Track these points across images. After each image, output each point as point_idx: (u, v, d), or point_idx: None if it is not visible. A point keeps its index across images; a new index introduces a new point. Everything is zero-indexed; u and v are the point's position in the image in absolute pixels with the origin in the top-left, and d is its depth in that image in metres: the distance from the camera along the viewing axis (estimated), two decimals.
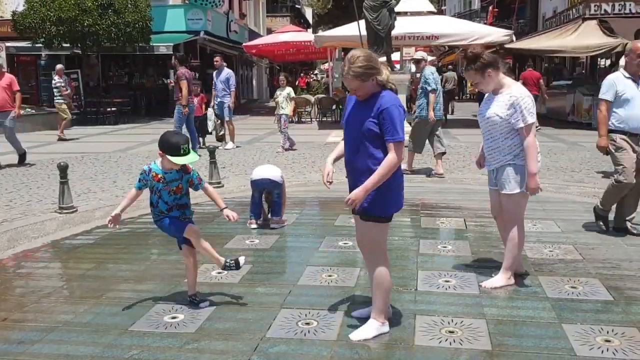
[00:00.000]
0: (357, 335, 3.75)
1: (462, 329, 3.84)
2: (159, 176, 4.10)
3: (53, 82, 16.74)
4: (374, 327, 3.76)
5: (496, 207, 4.82)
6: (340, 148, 3.88)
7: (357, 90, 3.61)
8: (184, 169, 4.15)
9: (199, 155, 4.26)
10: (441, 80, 28.52)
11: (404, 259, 5.34)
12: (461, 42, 19.48)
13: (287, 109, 13.50)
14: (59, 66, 17.47)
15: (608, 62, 19.93)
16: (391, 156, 3.49)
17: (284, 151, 13.10)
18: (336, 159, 3.91)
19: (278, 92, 13.76)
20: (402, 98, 14.85)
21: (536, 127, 4.73)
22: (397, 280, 4.75)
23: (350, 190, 3.61)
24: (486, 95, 4.69)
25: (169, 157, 4.00)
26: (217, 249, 4.96)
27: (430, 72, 9.74)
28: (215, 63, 13.97)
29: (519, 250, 4.67)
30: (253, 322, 4.01)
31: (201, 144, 13.64)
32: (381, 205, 3.61)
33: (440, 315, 4.09)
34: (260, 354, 3.57)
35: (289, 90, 13.71)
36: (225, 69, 13.97)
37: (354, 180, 3.64)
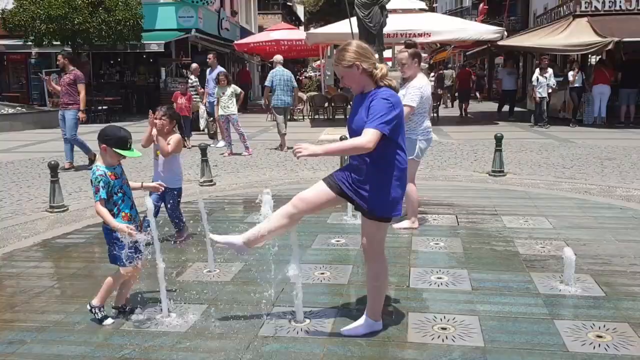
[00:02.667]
0: (349, 330, 3.75)
1: (455, 326, 3.85)
2: (113, 173, 3.98)
3: (189, 81, 15.35)
4: (367, 325, 3.76)
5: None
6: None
7: (344, 79, 3.62)
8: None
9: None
10: (441, 78, 28.82)
11: (397, 256, 5.34)
12: (453, 40, 19.54)
13: (233, 107, 12.47)
14: (194, 65, 16.12)
15: (598, 58, 19.98)
16: (360, 138, 3.38)
17: (229, 155, 12.49)
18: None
19: (220, 91, 12.46)
20: None
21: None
22: (390, 277, 4.74)
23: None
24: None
25: (119, 151, 3.93)
26: (210, 247, 4.95)
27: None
28: (208, 61, 13.94)
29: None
30: (245, 321, 4.00)
31: (187, 145, 13.59)
32: (388, 206, 3.55)
33: (432, 312, 4.09)
34: (253, 352, 3.55)
35: (232, 88, 12.54)
36: (219, 66, 13.97)
37: (353, 179, 3.61)
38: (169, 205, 5.75)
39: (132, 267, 3.97)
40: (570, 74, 17.56)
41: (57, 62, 11.30)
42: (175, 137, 5.64)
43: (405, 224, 6.26)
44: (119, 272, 4.01)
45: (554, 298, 4.31)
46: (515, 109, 21.09)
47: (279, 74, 13.01)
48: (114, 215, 3.92)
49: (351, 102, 3.99)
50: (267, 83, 13.31)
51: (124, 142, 3.97)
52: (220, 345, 3.66)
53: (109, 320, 4.03)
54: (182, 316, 4.08)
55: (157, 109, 5.63)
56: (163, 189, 4.71)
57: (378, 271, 3.70)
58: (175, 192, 5.77)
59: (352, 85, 3.61)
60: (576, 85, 17.50)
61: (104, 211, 3.88)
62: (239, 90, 12.72)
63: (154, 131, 5.54)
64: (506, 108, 20.96)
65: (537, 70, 17.25)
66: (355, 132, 3.54)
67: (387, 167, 3.50)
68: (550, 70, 17.17)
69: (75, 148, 10.82)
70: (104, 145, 3.96)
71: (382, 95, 3.46)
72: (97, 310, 4.03)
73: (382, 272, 3.72)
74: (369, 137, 3.34)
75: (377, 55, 14.92)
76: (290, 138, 13.77)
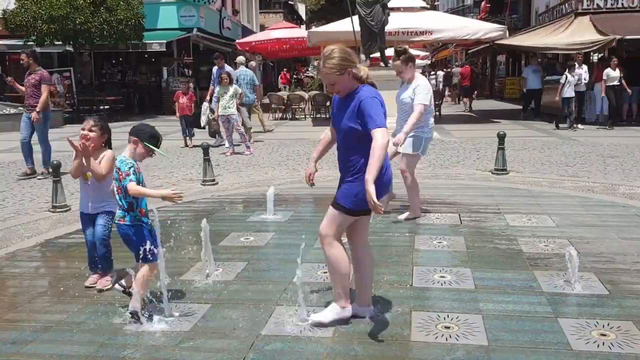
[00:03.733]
0: (316, 317, 3.82)
1: (458, 325, 3.84)
2: (138, 168, 4.03)
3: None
4: (334, 312, 3.82)
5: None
6: (320, 146, 4.06)
7: (334, 85, 3.64)
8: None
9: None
10: (449, 76, 29.50)
11: (399, 255, 5.33)
12: (454, 38, 19.51)
13: (233, 108, 12.38)
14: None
15: (600, 56, 19.96)
16: (377, 141, 3.41)
17: (231, 154, 12.33)
18: (318, 158, 4.07)
19: (222, 91, 12.36)
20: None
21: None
22: (393, 276, 4.75)
23: (339, 185, 3.75)
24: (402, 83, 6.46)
25: (151, 146, 3.96)
26: (212, 246, 4.95)
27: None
28: (217, 63, 14.01)
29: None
30: (248, 320, 3.99)
31: (189, 144, 13.59)
32: (350, 196, 3.63)
33: (436, 310, 4.08)
34: (256, 352, 3.55)
35: (234, 88, 12.48)
36: (227, 66, 14.10)
37: (342, 177, 3.72)
38: (98, 231, 4.62)
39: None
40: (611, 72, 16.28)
41: (21, 61, 10.35)
42: (107, 154, 4.58)
43: (406, 214, 6.56)
44: (149, 268, 3.98)
45: (558, 296, 4.29)
46: (517, 107, 21.05)
47: (243, 73, 14.44)
48: (134, 208, 3.97)
49: None
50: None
51: (156, 138, 4.00)
52: (224, 345, 3.65)
53: (155, 319, 3.97)
54: (185, 316, 4.08)
55: (86, 119, 4.63)
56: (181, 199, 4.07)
57: (331, 257, 3.75)
58: (110, 216, 4.58)
59: (342, 89, 3.65)
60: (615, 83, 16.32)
61: (142, 188, 3.93)
62: (239, 90, 12.71)
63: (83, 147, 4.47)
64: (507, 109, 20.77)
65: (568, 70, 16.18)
66: (341, 132, 3.65)
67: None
68: (584, 67, 16.47)
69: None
70: (136, 139, 3.98)
71: (369, 95, 3.54)
72: (138, 316, 3.91)
73: (335, 258, 3.75)
74: (382, 134, 3.43)
75: (378, 54, 14.95)
76: (292, 137, 13.80)
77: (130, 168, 3.92)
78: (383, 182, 3.64)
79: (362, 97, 3.53)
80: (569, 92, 15.94)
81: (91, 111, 21.93)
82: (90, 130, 4.46)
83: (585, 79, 16.37)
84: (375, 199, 3.34)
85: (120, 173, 3.94)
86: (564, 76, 16.16)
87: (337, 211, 3.71)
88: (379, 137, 3.42)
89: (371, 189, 3.33)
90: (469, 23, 20.78)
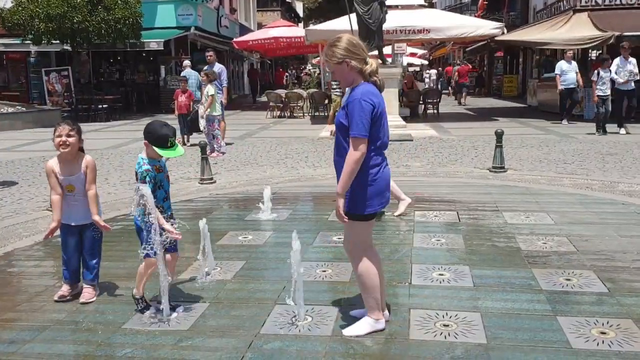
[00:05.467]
0: (350, 331, 3.72)
1: (457, 323, 3.83)
2: (157, 166, 4.04)
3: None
4: (367, 324, 3.73)
5: None
6: None
7: (334, 73, 3.61)
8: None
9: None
10: (440, 75, 30.39)
11: (398, 253, 5.33)
12: (452, 36, 19.50)
13: (214, 107, 12.14)
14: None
15: (598, 53, 19.95)
16: (349, 154, 3.37)
17: (221, 155, 12.17)
18: None
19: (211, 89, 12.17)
20: (394, 92, 14.84)
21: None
22: (391, 274, 4.74)
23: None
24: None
25: (157, 150, 3.93)
26: (211, 245, 4.93)
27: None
28: (208, 58, 13.85)
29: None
30: (247, 319, 3.99)
31: (187, 142, 13.56)
32: (354, 204, 3.50)
33: (434, 309, 4.07)
34: (255, 351, 3.54)
35: (208, 88, 12.16)
36: (217, 64, 13.87)
37: (337, 177, 3.62)
38: (87, 243, 4.45)
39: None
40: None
41: None
42: (89, 162, 4.33)
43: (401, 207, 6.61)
44: (145, 264, 4.09)
45: (557, 294, 4.29)
46: (515, 104, 21.03)
47: (188, 74, 16.08)
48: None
49: None
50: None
51: (164, 140, 3.94)
52: (222, 344, 3.64)
53: (151, 311, 4.08)
54: (183, 314, 4.07)
55: (59, 124, 4.29)
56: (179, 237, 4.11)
57: (364, 273, 3.64)
58: (96, 226, 4.42)
59: (341, 80, 3.59)
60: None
61: (152, 205, 3.92)
62: (212, 91, 12.16)
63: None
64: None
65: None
66: (337, 127, 3.56)
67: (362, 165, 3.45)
68: (632, 60, 14.17)
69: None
70: (146, 141, 3.98)
71: (360, 96, 3.39)
72: (140, 301, 4.13)
73: (368, 273, 3.64)
74: (354, 145, 3.35)
75: (376, 52, 14.92)
76: (292, 135, 13.79)
77: (146, 177, 3.94)
78: (376, 191, 3.52)
79: (353, 97, 3.42)
80: (605, 90, 14.14)
81: (89, 110, 21.91)
82: (69, 136, 4.20)
83: (636, 74, 14.10)
84: (341, 212, 3.43)
85: (136, 175, 4.00)
86: (595, 72, 14.53)
87: (351, 221, 3.54)
88: (351, 149, 3.35)
89: (340, 202, 3.43)
90: (467, 20, 20.78)
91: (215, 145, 12.28)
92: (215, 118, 12.25)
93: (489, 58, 37.00)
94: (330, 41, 3.57)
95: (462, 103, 26.47)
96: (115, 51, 25.46)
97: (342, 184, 3.42)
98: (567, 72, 16.79)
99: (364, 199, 3.49)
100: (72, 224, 4.39)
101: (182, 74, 16.38)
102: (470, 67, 34.37)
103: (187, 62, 17.42)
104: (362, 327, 3.72)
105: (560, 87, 16.79)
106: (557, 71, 16.95)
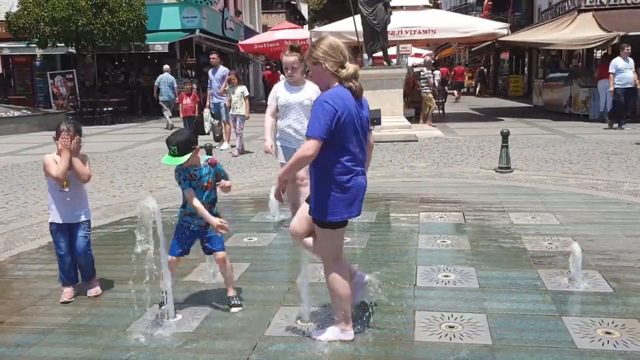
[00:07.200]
0: (317, 335, 3.66)
1: (462, 324, 3.82)
2: (192, 173, 4.06)
3: (422, 73, 15.29)
4: (333, 334, 3.63)
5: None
6: None
7: (312, 74, 3.60)
8: (210, 162, 4.15)
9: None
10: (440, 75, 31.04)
11: (403, 254, 5.32)
12: (457, 36, 19.48)
13: (242, 108, 12.33)
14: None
15: (603, 52, 19.89)
16: (300, 148, 3.37)
17: (239, 155, 12.36)
18: None
19: (230, 90, 12.50)
20: (399, 93, 14.82)
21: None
22: (396, 276, 4.74)
23: None
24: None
25: (168, 163, 3.94)
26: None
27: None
28: (211, 61, 13.84)
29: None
30: (252, 321, 3.99)
31: None
32: (319, 210, 3.44)
33: (440, 310, 4.06)
34: (260, 353, 3.54)
35: (242, 88, 12.44)
36: (222, 66, 13.88)
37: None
38: (80, 242, 4.53)
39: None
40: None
41: None
42: (85, 156, 4.53)
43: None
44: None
45: (562, 295, 4.28)
46: (521, 104, 20.96)
47: (165, 77, 18.62)
48: (185, 206, 4.15)
49: None
50: (155, 84, 19.02)
51: (181, 147, 3.91)
52: (227, 346, 3.65)
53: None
54: (188, 317, 4.07)
55: (61, 127, 4.45)
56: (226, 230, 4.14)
57: (333, 282, 3.55)
58: (88, 225, 4.60)
59: (318, 81, 3.58)
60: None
61: (196, 201, 4.02)
62: (247, 92, 12.62)
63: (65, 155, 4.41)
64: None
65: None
66: None
67: (324, 171, 3.39)
68: (630, 60, 14.49)
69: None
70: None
71: (324, 98, 3.34)
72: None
73: (338, 283, 3.54)
74: (306, 145, 3.31)
75: (380, 53, 14.83)
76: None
77: (182, 182, 4.05)
78: (344, 199, 3.40)
79: (319, 98, 3.39)
80: (624, 83, 14.31)
81: (94, 113, 21.97)
82: (72, 138, 4.38)
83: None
84: (273, 195, 3.61)
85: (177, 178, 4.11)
86: (613, 64, 14.65)
87: (319, 228, 3.50)
88: (303, 145, 3.34)
89: (277, 185, 3.61)
90: (472, 21, 20.75)
91: (237, 145, 12.51)
92: (243, 118, 12.46)
93: (494, 58, 36.95)
94: (313, 41, 3.58)
95: (458, 100, 29.65)
96: (120, 54, 25.55)
97: (282, 171, 3.60)
98: (624, 70, 15.06)
99: (327, 205, 3.39)
100: (63, 221, 4.48)
101: (158, 78, 18.64)
102: (465, 68, 40.28)
103: (166, 67, 19.13)
104: (328, 335, 3.64)
105: (613, 86, 15.07)
106: (611, 69, 15.17)
